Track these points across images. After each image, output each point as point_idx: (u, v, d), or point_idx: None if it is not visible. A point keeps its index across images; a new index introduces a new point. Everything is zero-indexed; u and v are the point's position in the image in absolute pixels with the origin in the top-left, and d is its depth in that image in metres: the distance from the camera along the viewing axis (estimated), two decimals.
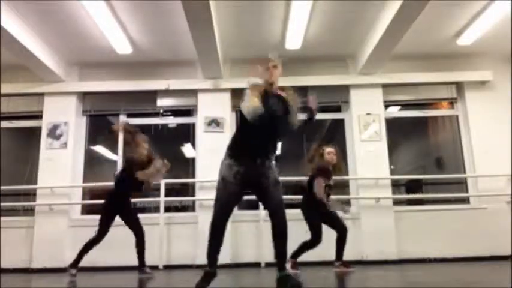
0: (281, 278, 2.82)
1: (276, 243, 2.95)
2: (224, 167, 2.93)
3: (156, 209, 5.93)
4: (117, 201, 4.47)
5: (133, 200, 6.15)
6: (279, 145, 3.13)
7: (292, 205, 6.58)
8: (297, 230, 5.79)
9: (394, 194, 6.22)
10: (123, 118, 6.60)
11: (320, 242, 4.33)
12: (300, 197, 6.70)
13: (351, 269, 4.39)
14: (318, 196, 4.30)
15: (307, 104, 3.20)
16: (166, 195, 5.87)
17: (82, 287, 3.83)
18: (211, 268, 2.87)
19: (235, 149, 2.98)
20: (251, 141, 2.95)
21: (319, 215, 4.38)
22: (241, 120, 3.00)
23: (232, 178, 2.87)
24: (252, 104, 2.83)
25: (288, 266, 4.08)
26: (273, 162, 3.05)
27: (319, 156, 4.52)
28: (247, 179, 2.90)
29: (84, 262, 5.51)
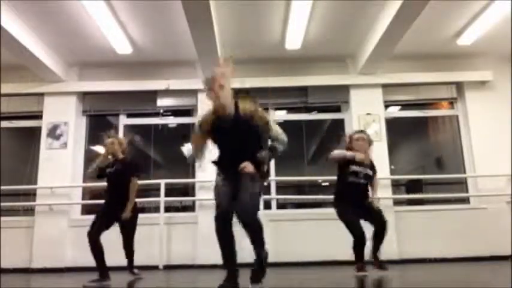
0: None
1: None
2: (216, 178, 3.00)
3: (156, 209, 5.93)
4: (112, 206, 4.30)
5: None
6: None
7: (293, 205, 6.64)
8: (298, 229, 5.86)
9: (394, 194, 6.21)
10: (123, 118, 6.61)
11: (361, 236, 3.91)
12: (301, 196, 6.76)
13: (360, 273, 3.89)
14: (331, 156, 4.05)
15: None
16: (166, 195, 5.87)
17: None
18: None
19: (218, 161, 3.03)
20: (223, 153, 2.99)
21: (352, 209, 3.99)
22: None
23: (221, 181, 2.92)
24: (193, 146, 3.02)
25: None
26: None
27: (349, 145, 4.15)
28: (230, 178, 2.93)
29: (85, 262, 5.52)
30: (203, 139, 3.00)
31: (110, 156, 4.37)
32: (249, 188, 2.82)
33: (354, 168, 4.03)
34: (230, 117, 2.89)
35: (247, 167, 2.79)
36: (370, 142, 4.15)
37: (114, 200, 4.26)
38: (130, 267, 4.39)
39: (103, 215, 4.20)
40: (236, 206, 2.81)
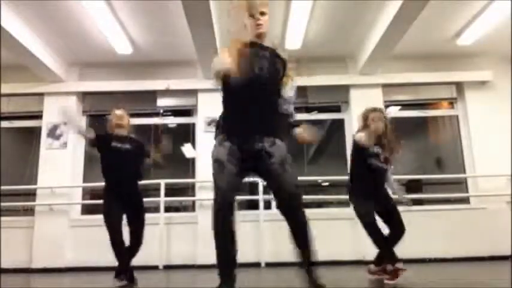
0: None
1: (297, 244, 2.36)
2: (216, 148, 2.33)
3: (156, 209, 5.93)
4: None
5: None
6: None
7: None
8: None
9: (394, 194, 6.20)
10: None
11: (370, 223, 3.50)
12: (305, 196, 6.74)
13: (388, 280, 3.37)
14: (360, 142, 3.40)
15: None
16: (166, 195, 5.87)
17: (83, 287, 3.83)
18: (225, 285, 2.23)
19: (226, 125, 2.38)
20: (241, 113, 2.34)
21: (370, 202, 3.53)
22: (223, 90, 2.45)
23: (226, 156, 2.26)
24: (221, 59, 2.17)
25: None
26: (281, 141, 2.39)
27: (364, 125, 3.57)
28: (243, 156, 2.28)
29: (85, 262, 5.53)
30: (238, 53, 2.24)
31: (113, 131, 3.86)
32: (290, 173, 2.33)
33: (376, 149, 3.46)
34: (266, 53, 2.40)
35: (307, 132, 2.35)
36: (386, 121, 3.59)
37: (124, 179, 3.75)
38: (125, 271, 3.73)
39: (113, 200, 3.66)
40: (279, 190, 2.30)
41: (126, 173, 3.79)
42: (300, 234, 2.36)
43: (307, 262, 2.37)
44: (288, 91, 2.49)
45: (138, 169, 3.90)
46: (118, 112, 3.94)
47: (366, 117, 3.56)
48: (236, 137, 2.30)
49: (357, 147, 3.50)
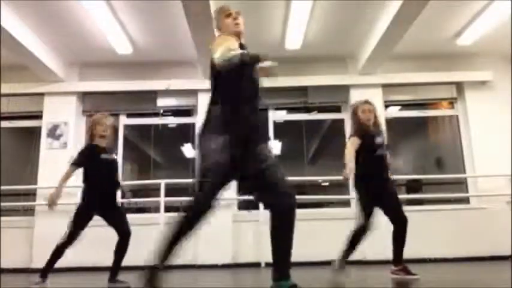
0: None
1: (281, 240, 2.37)
2: (216, 147, 2.19)
3: (156, 209, 5.93)
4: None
5: (134, 199, 6.17)
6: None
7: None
8: (298, 229, 5.86)
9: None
10: (123, 118, 6.61)
11: (368, 228, 3.59)
12: (301, 197, 6.75)
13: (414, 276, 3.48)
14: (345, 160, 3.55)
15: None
16: (166, 195, 5.87)
17: (83, 287, 3.83)
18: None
19: (227, 122, 2.22)
20: (244, 107, 2.23)
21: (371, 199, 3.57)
22: (221, 82, 2.29)
23: (229, 163, 2.18)
24: (228, 46, 2.14)
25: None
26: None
27: (354, 117, 3.76)
28: (242, 165, 2.21)
29: (85, 262, 5.53)
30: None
31: (95, 141, 3.73)
32: (281, 171, 2.27)
33: (378, 140, 3.61)
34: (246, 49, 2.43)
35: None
36: (376, 112, 3.74)
37: (105, 192, 3.81)
38: (116, 274, 3.71)
39: (87, 209, 3.86)
40: (276, 187, 2.22)
41: (112, 183, 3.86)
42: (289, 233, 2.36)
43: (285, 261, 2.38)
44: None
45: (117, 179, 3.94)
46: (106, 121, 3.75)
47: (355, 111, 3.73)
48: (240, 141, 2.18)
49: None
